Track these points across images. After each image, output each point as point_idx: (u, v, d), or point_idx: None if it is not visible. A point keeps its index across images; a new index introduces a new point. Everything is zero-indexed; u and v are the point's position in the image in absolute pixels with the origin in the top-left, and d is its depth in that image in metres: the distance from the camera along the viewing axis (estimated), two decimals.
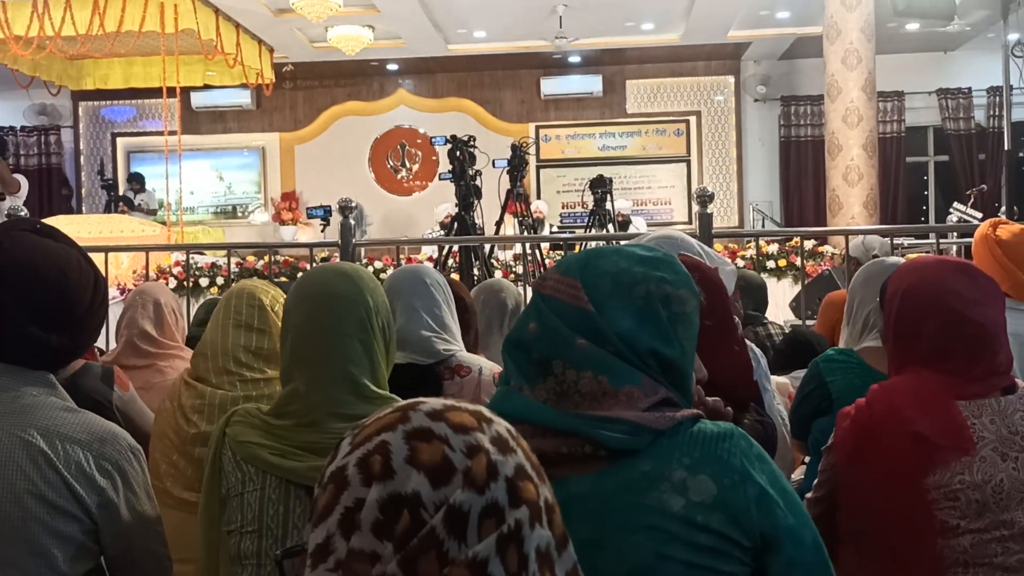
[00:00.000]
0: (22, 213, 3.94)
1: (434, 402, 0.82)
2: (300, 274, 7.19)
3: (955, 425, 1.53)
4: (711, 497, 1.02)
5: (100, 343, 4.21)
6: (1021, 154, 10.32)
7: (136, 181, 10.98)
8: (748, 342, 1.78)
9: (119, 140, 12.51)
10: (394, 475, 0.76)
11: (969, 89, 11.63)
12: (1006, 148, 9.26)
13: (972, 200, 8.40)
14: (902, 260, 2.31)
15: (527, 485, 0.79)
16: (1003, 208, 9.41)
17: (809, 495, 1.69)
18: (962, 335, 1.58)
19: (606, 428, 1.05)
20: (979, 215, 8.09)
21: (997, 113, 11.35)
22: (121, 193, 11.03)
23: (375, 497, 0.76)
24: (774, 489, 1.05)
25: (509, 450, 0.80)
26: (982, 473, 1.51)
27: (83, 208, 12.36)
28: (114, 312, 2.98)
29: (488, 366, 2.14)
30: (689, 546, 1.01)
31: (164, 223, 9.71)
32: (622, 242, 1.39)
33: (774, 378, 2.57)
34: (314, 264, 6.29)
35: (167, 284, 8.24)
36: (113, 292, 6.80)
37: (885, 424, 1.56)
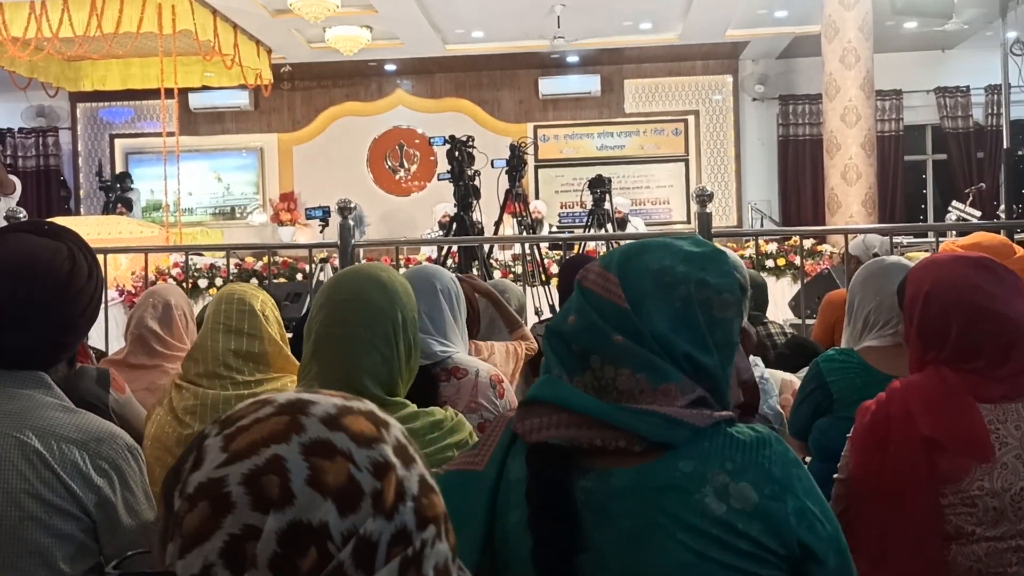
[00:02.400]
0: (20, 215, 3.93)
1: (324, 402, 0.71)
2: (321, 270, 7.15)
3: (973, 431, 1.49)
4: (752, 506, 1.02)
5: (99, 344, 4.20)
6: (1019, 152, 10.32)
7: (125, 179, 11.00)
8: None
9: (117, 141, 12.50)
10: (294, 500, 0.64)
11: (967, 87, 11.63)
12: (1004, 146, 9.26)
13: (970, 199, 8.40)
14: (902, 259, 2.30)
15: (432, 500, 0.70)
16: (1002, 206, 9.41)
17: (837, 475, 1.67)
18: (991, 330, 1.54)
19: (642, 420, 1.05)
20: (978, 213, 8.10)
21: (995, 111, 11.35)
22: (121, 194, 11.02)
23: (273, 528, 0.63)
24: (811, 499, 1.06)
25: (410, 459, 0.71)
26: (1002, 480, 1.48)
27: (81, 210, 12.35)
28: (113, 313, 2.98)
29: (485, 368, 2.14)
30: (729, 550, 1.02)
31: (162, 224, 9.70)
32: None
33: (779, 374, 2.58)
34: (315, 266, 6.29)
35: (175, 286, 8.24)
36: (112, 294, 6.79)
37: (898, 425, 1.53)
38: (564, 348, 1.12)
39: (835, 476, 1.66)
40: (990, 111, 11.57)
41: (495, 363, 2.49)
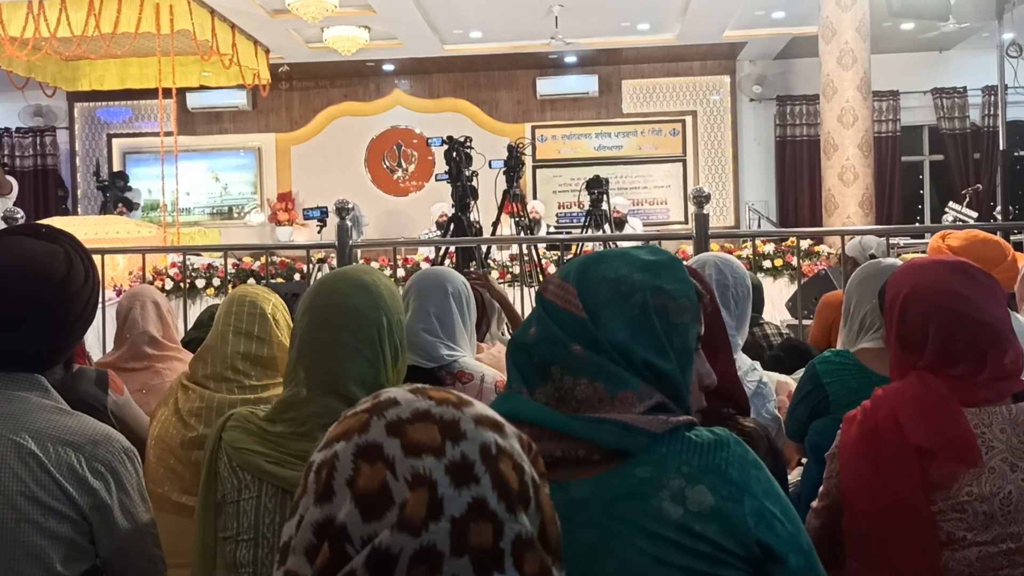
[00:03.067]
0: (18, 215, 3.92)
1: (409, 403, 0.70)
2: (318, 270, 7.14)
3: (961, 437, 1.49)
4: (708, 508, 1.03)
5: (97, 345, 4.20)
6: (1016, 153, 10.33)
7: (120, 179, 10.99)
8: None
9: (115, 141, 12.48)
10: (333, 497, 0.67)
11: (964, 88, 11.64)
12: (1001, 147, 9.27)
13: (967, 199, 8.41)
14: (898, 261, 2.31)
15: (483, 528, 0.65)
16: (998, 207, 9.42)
17: (814, 504, 1.66)
18: (968, 337, 1.53)
19: (598, 429, 1.06)
20: (974, 214, 8.11)
21: (992, 112, 11.36)
22: (121, 194, 11.01)
23: (313, 519, 0.67)
24: (769, 499, 1.07)
25: (469, 480, 0.66)
26: (990, 485, 1.47)
27: (79, 209, 12.32)
28: (111, 314, 2.98)
29: (491, 374, 2.14)
30: (687, 553, 1.02)
31: (160, 224, 9.69)
32: (628, 244, 1.39)
33: (775, 376, 2.58)
34: (312, 266, 6.29)
35: (163, 286, 8.24)
36: (109, 294, 6.79)
37: (887, 433, 1.53)
38: (526, 360, 1.13)
39: (812, 505, 1.65)
40: (987, 112, 11.58)
41: (495, 355, 2.50)
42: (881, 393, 1.59)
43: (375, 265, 8.35)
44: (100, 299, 1.77)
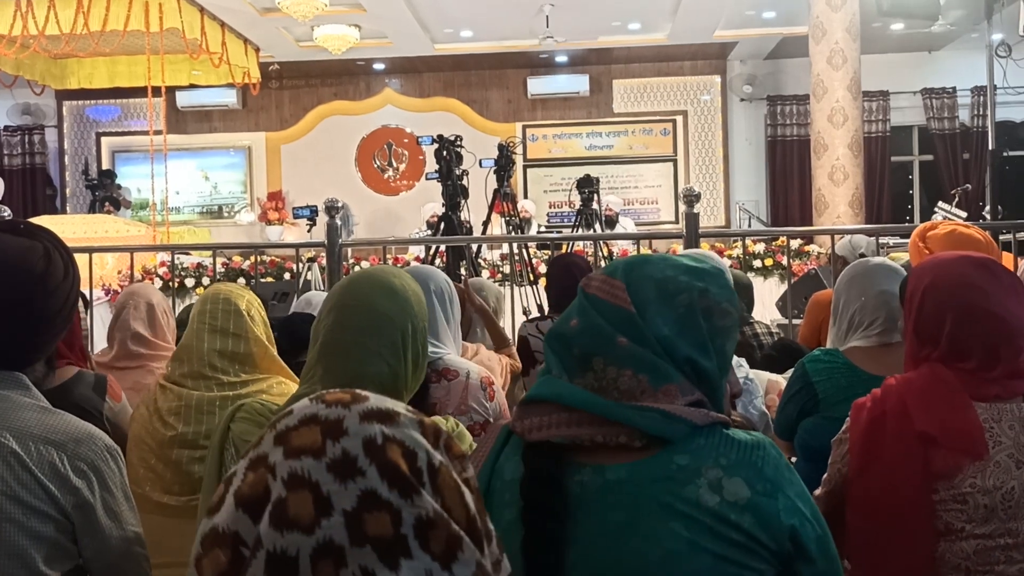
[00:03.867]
0: (5, 213, 3.90)
1: (300, 410, 0.72)
2: (308, 269, 7.13)
3: (968, 428, 1.50)
4: (744, 500, 1.06)
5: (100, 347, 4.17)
6: (1005, 153, 10.37)
7: (107, 177, 10.94)
8: None
9: (104, 140, 12.43)
10: (221, 507, 0.69)
11: (953, 89, 11.69)
12: (990, 147, 9.28)
13: (956, 199, 8.45)
14: (887, 260, 2.32)
15: (377, 517, 0.66)
16: (987, 207, 9.46)
17: (817, 492, 1.67)
18: (982, 330, 1.54)
19: (641, 415, 1.08)
20: (963, 214, 8.14)
21: (981, 113, 11.41)
22: (109, 194, 10.96)
23: (200, 531, 0.69)
24: (801, 501, 1.10)
25: (354, 474, 0.67)
26: (994, 479, 1.48)
27: (67, 208, 12.27)
28: (100, 313, 2.97)
29: (476, 370, 2.14)
30: (721, 539, 1.04)
31: (149, 223, 9.65)
32: (620, 243, 1.40)
33: (765, 375, 2.59)
34: (302, 265, 6.27)
35: (152, 284, 8.20)
36: (98, 293, 6.75)
37: (894, 420, 1.54)
38: (565, 350, 1.15)
39: (815, 493, 1.66)
40: (976, 112, 11.63)
41: (481, 363, 2.49)
42: (893, 382, 1.61)
43: (365, 265, 8.34)
44: (82, 296, 1.76)
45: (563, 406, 1.10)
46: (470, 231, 6.62)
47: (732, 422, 1.14)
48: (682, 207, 4.09)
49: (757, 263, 8.17)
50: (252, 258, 8.38)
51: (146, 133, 9.85)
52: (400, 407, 0.75)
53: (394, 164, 12.32)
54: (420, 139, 6.76)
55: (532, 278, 6.55)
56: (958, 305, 1.56)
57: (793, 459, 2.20)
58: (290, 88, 12.24)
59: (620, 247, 7.52)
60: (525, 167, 12.00)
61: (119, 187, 10.91)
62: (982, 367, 1.53)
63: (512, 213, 7.38)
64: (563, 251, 6.17)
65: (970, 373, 1.54)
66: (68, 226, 8.64)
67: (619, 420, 1.08)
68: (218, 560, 0.66)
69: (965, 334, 1.55)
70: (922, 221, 11.11)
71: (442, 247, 6.31)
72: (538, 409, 1.12)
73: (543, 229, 10.96)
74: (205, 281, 8.36)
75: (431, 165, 6.85)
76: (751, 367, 2.65)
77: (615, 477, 1.08)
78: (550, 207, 12.04)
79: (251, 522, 0.65)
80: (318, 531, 0.64)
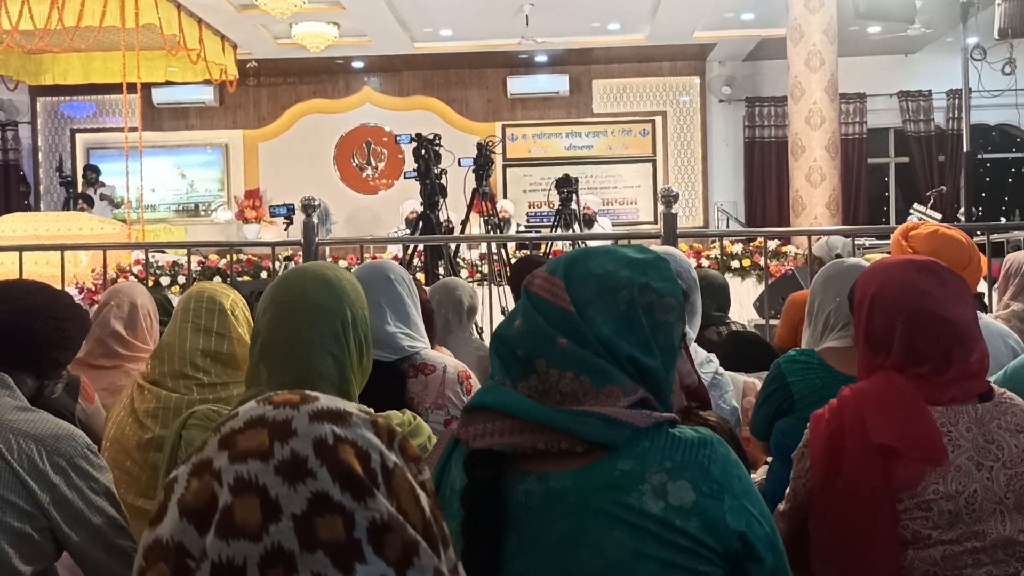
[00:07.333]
0: None
1: (246, 412, 0.69)
2: (285, 268, 7.12)
3: (927, 435, 1.49)
4: (690, 503, 1.04)
5: None
6: (980, 156, 10.49)
7: (92, 171, 10.81)
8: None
9: (78, 136, 12.30)
10: (164, 517, 0.66)
11: (929, 92, 11.80)
12: (965, 150, 9.40)
13: (932, 201, 8.53)
14: (862, 261, 2.32)
15: (329, 521, 0.63)
16: (962, 209, 9.55)
17: (780, 507, 1.66)
18: (933, 335, 1.54)
19: (581, 421, 1.06)
20: (938, 216, 8.21)
21: (956, 115, 11.52)
22: (80, 191, 10.84)
23: (143, 543, 0.66)
24: (749, 500, 1.08)
25: (304, 476, 0.64)
26: (956, 483, 1.47)
27: (41, 205, 12.14)
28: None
29: (453, 364, 2.12)
30: (666, 545, 1.03)
31: (124, 221, 9.56)
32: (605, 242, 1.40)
33: (741, 377, 2.59)
34: (279, 264, 6.22)
35: (140, 285, 8.11)
36: (71, 291, 6.68)
37: (852, 432, 1.53)
38: (510, 353, 1.13)
39: (778, 508, 1.65)
40: (951, 115, 11.75)
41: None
42: (848, 392, 1.59)
43: (343, 264, 8.29)
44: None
45: (506, 413, 1.08)
46: (450, 230, 6.60)
47: (677, 419, 1.11)
48: (660, 207, 4.09)
49: (735, 264, 8.21)
50: (228, 257, 8.32)
51: (121, 130, 9.75)
52: (352, 407, 0.72)
53: (373, 163, 12.27)
54: (399, 138, 6.74)
55: (510, 278, 6.54)
56: (907, 310, 1.56)
57: (769, 459, 2.21)
58: (268, 86, 12.17)
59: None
60: (504, 167, 11.99)
61: (103, 184, 10.77)
62: (935, 371, 1.53)
63: (491, 212, 7.37)
64: (542, 251, 6.17)
65: (924, 378, 1.53)
66: (41, 223, 8.54)
67: (559, 427, 1.06)
68: (162, 574, 0.63)
69: (916, 339, 1.54)
70: (898, 223, 11.20)
71: (420, 246, 6.29)
72: (481, 416, 1.10)
73: (522, 229, 10.95)
74: (181, 280, 8.29)
75: (410, 164, 6.83)
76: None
77: (559, 485, 1.06)
78: (529, 207, 12.04)
79: (196, 532, 0.62)
80: (266, 537, 0.61)
